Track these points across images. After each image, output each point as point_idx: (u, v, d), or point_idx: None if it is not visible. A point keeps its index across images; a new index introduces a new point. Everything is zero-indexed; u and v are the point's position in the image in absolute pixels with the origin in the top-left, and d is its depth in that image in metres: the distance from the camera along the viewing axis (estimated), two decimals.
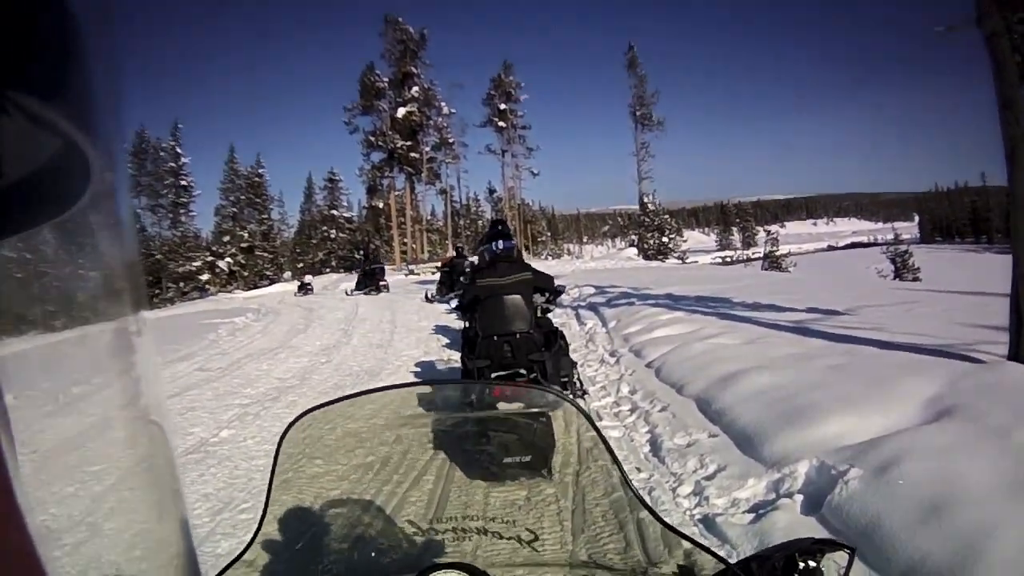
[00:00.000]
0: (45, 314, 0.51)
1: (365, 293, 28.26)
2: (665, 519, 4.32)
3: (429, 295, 23.71)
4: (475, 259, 27.88)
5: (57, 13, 0.42)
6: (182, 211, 56.36)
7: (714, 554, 1.51)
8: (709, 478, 5.27)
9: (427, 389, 2.26)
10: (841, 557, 1.42)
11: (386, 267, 31.24)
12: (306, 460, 1.94)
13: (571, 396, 6.67)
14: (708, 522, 4.60)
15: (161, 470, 0.63)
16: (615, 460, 1.68)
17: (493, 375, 6.25)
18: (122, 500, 0.69)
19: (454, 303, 7.33)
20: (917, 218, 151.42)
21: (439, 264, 30.16)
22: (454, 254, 26.75)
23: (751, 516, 4.55)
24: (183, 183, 56.54)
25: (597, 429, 1.72)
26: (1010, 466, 3.95)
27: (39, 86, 0.41)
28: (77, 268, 0.53)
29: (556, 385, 6.45)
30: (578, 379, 7.70)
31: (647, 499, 4.97)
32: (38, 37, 0.40)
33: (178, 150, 56.59)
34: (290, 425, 1.79)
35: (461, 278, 21.71)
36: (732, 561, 1.45)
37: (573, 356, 7.93)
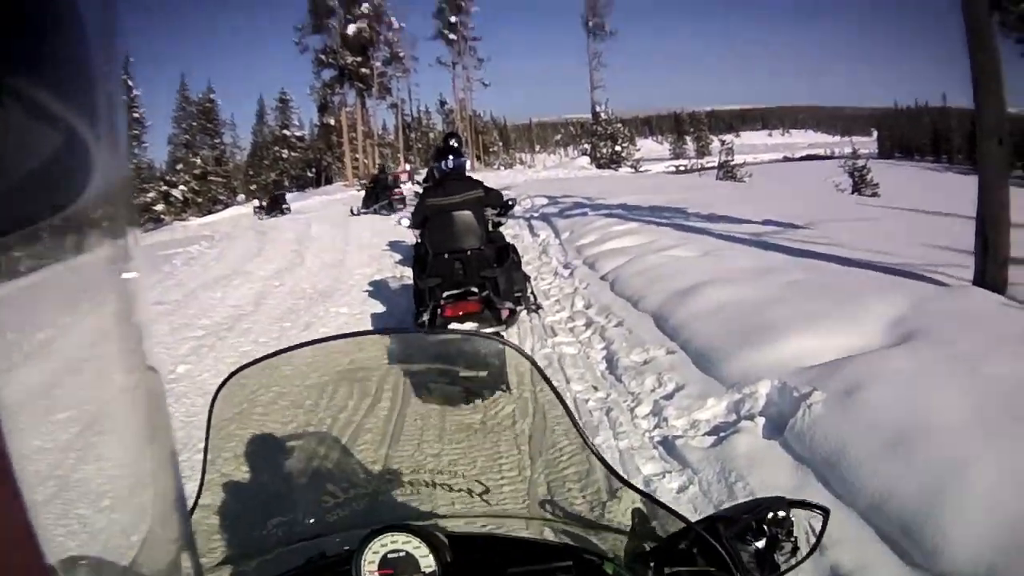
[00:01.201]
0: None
1: (271, 216, 30.23)
2: (623, 443, 4.20)
3: (354, 210, 25.87)
4: (398, 172, 31.22)
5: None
6: (135, 144, 56.57)
7: (677, 514, 1.44)
8: (667, 397, 5.19)
9: (373, 338, 2.32)
10: (814, 518, 1.38)
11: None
12: (245, 420, 1.88)
13: (520, 315, 6.69)
14: (668, 445, 4.51)
15: (153, 398, 0.58)
16: (570, 415, 1.63)
17: (444, 294, 6.11)
18: (108, 430, 0.63)
19: (405, 222, 7.20)
20: (876, 133, 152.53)
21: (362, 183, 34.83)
22: (403, 168, 29.73)
23: (712, 439, 4.45)
24: (135, 116, 56.73)
25: (548, 380, 1.67)
26: (981, 398, 3.84)
27: (39, 74, 0.38)
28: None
29: (509, 301, 6.36)
30: (532, 293, 7.63)
31: (605, 421, 4.94)
32: (37, 23, 0.37)
33: (129, 84, 56.24)
34: (221, 385, 1.71)
35: (393, 190, 25.74)
36: (694, 520, 1.38)
37: (526, 269, 7.91)
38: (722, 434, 4.46)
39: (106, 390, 0.57)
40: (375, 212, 25.02)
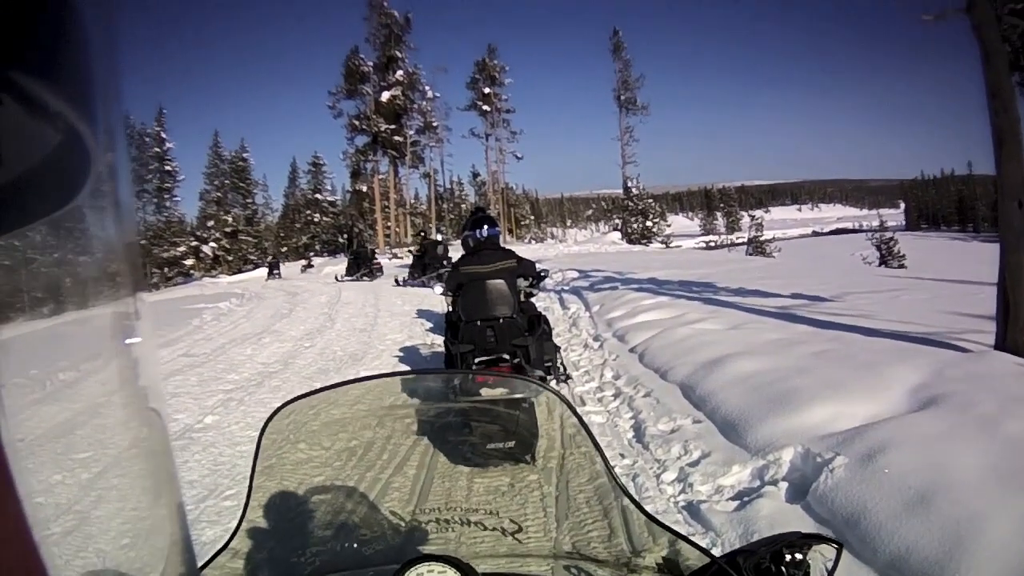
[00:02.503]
0: (38, 301, 0.50)
1: (272, 278, 34.18)
2: (649, 507, 4.26)
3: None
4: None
5: None
6: (166, 196, 56.15)
7: (698, 547, 1.51)
8: (693, 464, 5.24)
9: (411, 378, 2.25)
10: (828, 552, 1.42)
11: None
12: (290, 448, 1.94)
13: (552, 384, 6.67)
14: (692, 509, 4.56)
15: (159, 455, 0.60)
16: (598, 449, 1.69)
17: (476, 360, 6.20)
18: (123, 487, 0.67)
19: (438, 288, 7.26)
20: (903, 205, 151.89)
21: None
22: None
23: (735, 504, 4.52)
24: (167, 168, 56.39)
25: (579, 417, 1.73)
26: (998, 457, 3.93)
27: (39, 69, 0.39)
28: (76, 252, 0.51)
29: (539, 370, 6.44)
30: (561, 363, 7.71)
31: (631, 486, 4.95)
32: (37, 17, 0.38)
33: (163, 135, 56.45)
34: (273, 414, 1.78)
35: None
36: (717, 554, 1.43)
37: (556, 340, 7.95)
38: (746, 499, 4.52)
39: (113, 440, 0.59)
40: (357, 279, 27.71)
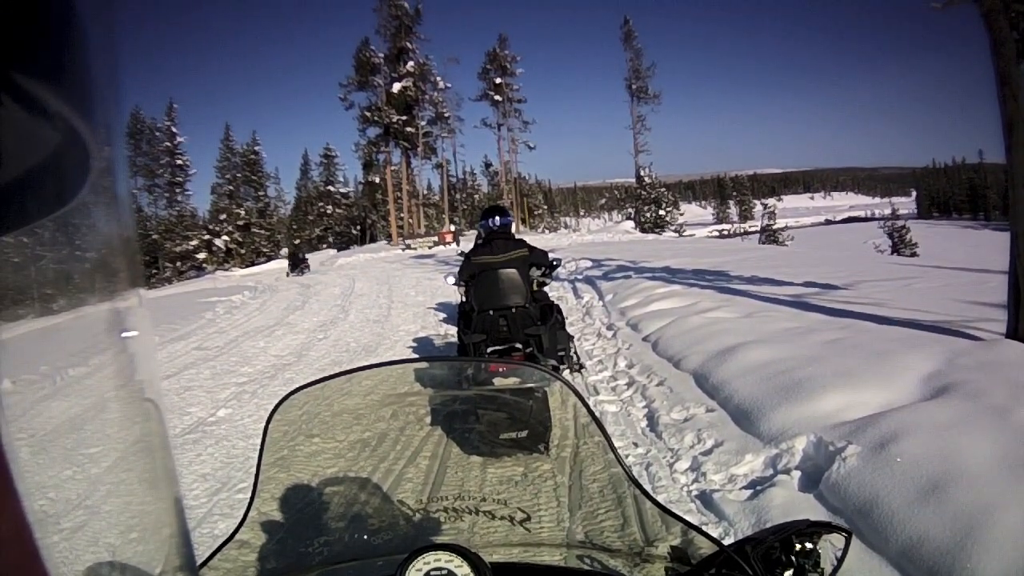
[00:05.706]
0: (42, 297, 0.50)
1: (294, 273, 35.28)
2: (662, 497, 4.27)
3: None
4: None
5: None
6: (178, 191, 56.82)
7: (709, 536, 1.52)
8: (706, 453, 5.26)
9: (423, 365, 2.25)
10: (838, 539, 1.42)
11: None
12: (300, 437, 1.94)
13: (566, 373, 6.68)
14: (705, 498, 4.58)
15: (155, 449, 0.60)
16: (607, 439, 1.68)
17: (489, 349, 6.19)
18: (119, 482, 0.66)
19: (451, 279, 7.30)
20: (915, 193, 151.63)
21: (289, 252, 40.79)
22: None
23: (748, 493, 4.53)
24: (179, 163, 57.00)
25: (589, 408, 1.73)
26: (1010, 445, 3.93)
27: (39, 69, 0.39)
28: (74, 249, 0.50)
29: (552, 359, 6.45)
30: (575, 353, 7.71)
31: (644, 475, 4.97)
32: (37, 18, 0.38)
33: (173, 130, 57.16)
34: (279, 403, 1.78)
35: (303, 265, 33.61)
36: (727, 543, 1.44)
37: (570, 330, 7.93)
38: (759, 488, 4.53)
39: (110, 432, 0.62)
40: (298, 275, 31.86)
